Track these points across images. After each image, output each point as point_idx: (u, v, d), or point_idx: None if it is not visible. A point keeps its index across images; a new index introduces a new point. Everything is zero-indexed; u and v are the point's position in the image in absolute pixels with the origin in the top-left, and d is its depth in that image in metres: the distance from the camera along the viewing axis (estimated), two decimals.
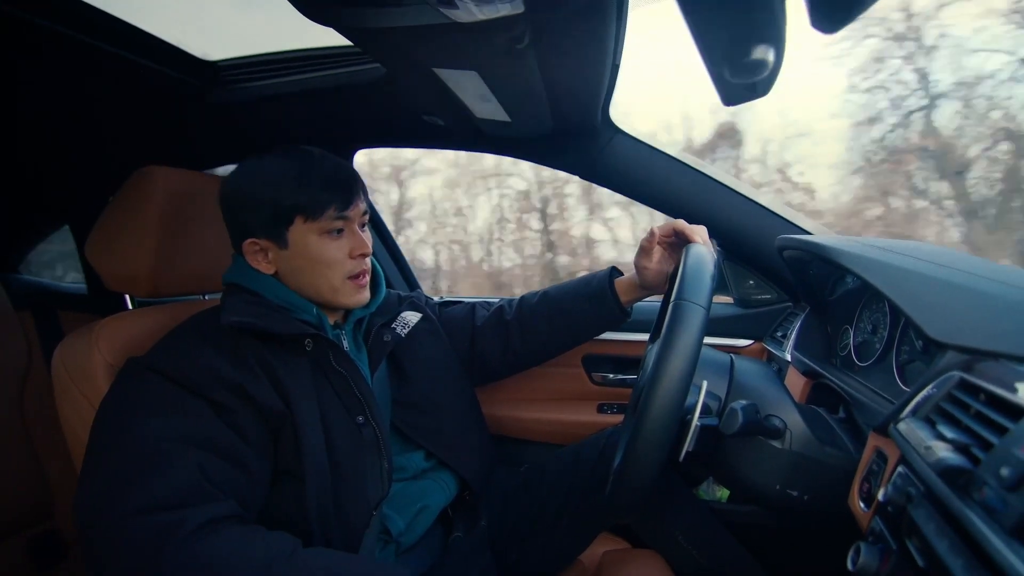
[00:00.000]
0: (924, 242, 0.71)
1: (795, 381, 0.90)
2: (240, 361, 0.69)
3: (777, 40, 0.39)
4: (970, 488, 0.39)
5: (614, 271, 0.97)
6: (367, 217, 0.81)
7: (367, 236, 0.80)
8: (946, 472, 0.40)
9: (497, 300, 1.06)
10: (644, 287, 0.93)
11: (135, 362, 0.69)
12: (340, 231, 0.76)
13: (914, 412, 0.52)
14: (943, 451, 0.41)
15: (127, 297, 1.49)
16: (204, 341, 0.70)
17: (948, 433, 0.43)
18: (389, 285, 0.94)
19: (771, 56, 0.39)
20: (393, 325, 0.90)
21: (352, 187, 0.77)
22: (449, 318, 1.01)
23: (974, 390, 0.46)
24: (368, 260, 0.80)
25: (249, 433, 0.66)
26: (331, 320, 0.81)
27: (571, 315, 0.97)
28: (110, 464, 0.60)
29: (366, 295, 0.81)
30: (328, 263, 0.76)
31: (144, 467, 0.59)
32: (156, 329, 0.80)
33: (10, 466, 1.20)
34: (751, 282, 1.16)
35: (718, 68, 0.43)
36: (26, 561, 1.20)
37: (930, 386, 0.52)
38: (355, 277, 0.78)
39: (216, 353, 0.68)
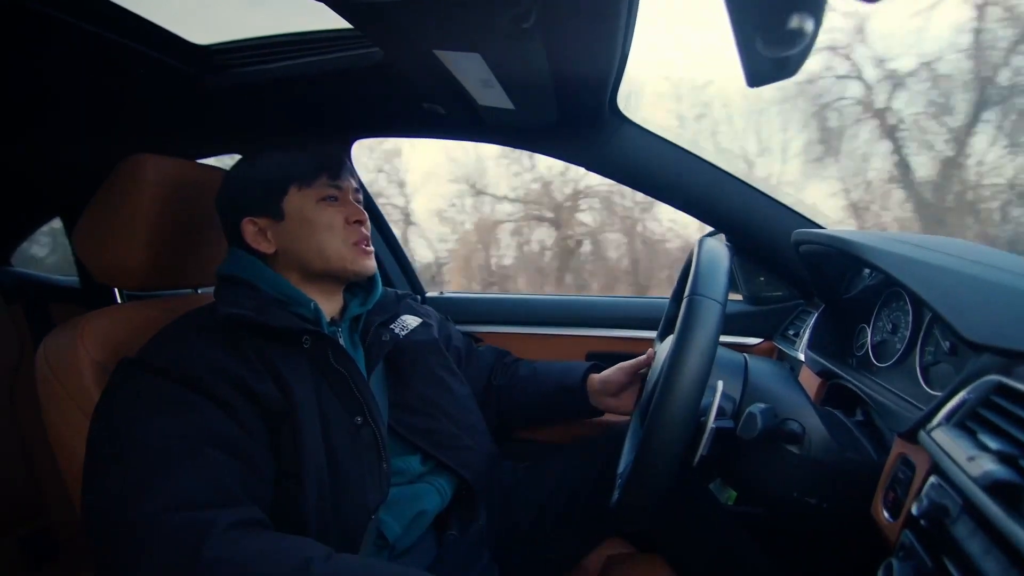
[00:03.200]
0: (954, 238, 0.67)
1: (809, 381, 0.86)
2: (240, 355, 0.66)
3: (816, 9, 0.35)
4: (1020, 504, 0.36)
5: (593, 367, 0.98)
6: (360, 195, 0.84)
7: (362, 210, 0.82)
8: (995, 487, 0.36)
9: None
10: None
11: (131, 363, 0.65)
12: (335, 198, 0.79)
13: (948, 418, 0.49)
14: (989, 463, 0.37)
15: (117, 290, 1.46)
16: (202, 335, 0.67)
17: (992, 443, 0.40)
18: (389, 284, 0.92)
19: (810, 26, 0.36)
20: (392, 326, 0.87)
21: (341, 162, 0.80)
22: (478, 362, 1.05)
23: (1014, 395, 0.43)
24: (365, 230, 0.81)
25: (253, 430, 0.63)
26: (328, 316, 0.79)
27: (548, 398, 1.00)
28: (122, 469, 0.56)
29: (373, 263, 0.82)
30: (326, 226, 0.77)
31: (163, 467, 0.55)
32: (145, 324, 0.77)
33: (2, 463, 1.17)
34: (761, 278, 1.12)
35: (750, 39, 0.39)
36: (18, 559, 1.18)
37: (965, 390, 0.48)
38: (357, 243, 0.79)
39: (216, 347, 0.65)
